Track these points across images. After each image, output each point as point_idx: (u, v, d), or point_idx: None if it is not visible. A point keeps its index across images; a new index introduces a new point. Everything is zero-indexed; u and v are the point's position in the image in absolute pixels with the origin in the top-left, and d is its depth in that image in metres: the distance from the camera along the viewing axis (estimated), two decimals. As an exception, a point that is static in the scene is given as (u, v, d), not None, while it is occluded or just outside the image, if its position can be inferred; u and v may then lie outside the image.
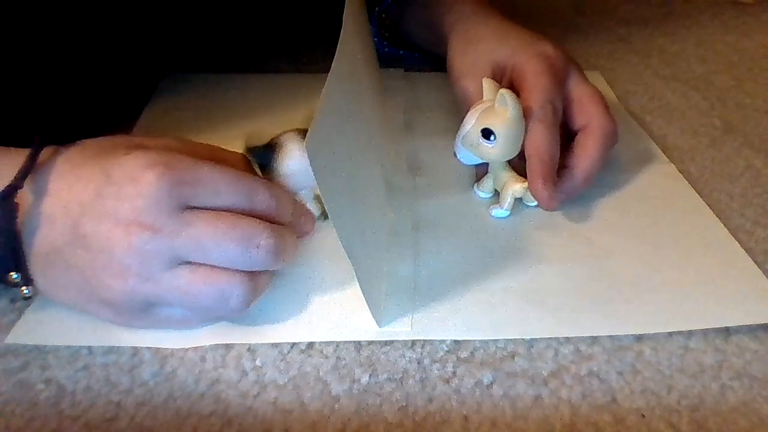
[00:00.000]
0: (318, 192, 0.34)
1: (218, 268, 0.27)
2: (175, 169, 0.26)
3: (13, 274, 0.27)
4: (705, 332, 0.30)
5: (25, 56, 0.41)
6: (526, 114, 0.35)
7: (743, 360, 0.29)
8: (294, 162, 0.32)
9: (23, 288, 0.27)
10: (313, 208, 0.34)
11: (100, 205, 0.26)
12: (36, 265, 0.27)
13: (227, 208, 0.27)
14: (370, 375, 0.28)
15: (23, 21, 0.41)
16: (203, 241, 0.26)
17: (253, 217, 0.28)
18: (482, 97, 0.36)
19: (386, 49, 0.56)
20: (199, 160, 0.28)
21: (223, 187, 0.27)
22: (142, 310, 0.28)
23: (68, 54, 0.45)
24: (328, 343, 0.29)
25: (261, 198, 0.29)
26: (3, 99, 0.38)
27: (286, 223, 0.30)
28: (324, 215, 0.35)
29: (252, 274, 0.28)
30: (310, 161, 0.24)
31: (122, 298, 0.27)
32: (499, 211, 0.37)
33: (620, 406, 0.27)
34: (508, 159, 0.36)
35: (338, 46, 0.29)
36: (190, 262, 0.27)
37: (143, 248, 0.25)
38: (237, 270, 0.27)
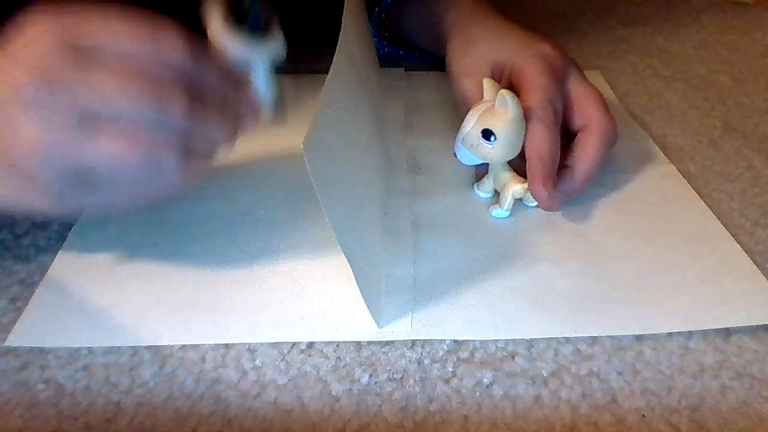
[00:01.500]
0: (261, 80, 0.30)
1: (143, 132, 0.24)
2: (66, 19, 0.24)
3: None
4: (705, 332, 0.30)
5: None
6: (526, 114, 0.35)
7: (743, 360, 0.29)
8: (217, 38, 0.27)
9: None
10: (265, 92, 0.30)
11: None
12: None
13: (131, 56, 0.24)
14: (370, 375, 0.28)
15: None
16: (106, 90, 0.23)
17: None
18: (482, 97, 0.36)
19: (386, 49, 0.56)
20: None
21: (120, 28, 0.24)
22: (70, 182, 0.25)
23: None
24: (328, 343, 0.30)
25: (169, 48, 0.25)
26: None
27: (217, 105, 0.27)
28: (277, 108, 0.30)
29: (184, 149, 0.25)
30: (308, 162, 0.24)
31: (39, 158, 0.24)
32: (499, 211, 0.37)
33: (620, 406, 0.27)
34: (508, 159, 0.36)
35: (338, 46, 0.29)
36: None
37: (40, 100, 0.23)
38: (167, 138, 0.25)
